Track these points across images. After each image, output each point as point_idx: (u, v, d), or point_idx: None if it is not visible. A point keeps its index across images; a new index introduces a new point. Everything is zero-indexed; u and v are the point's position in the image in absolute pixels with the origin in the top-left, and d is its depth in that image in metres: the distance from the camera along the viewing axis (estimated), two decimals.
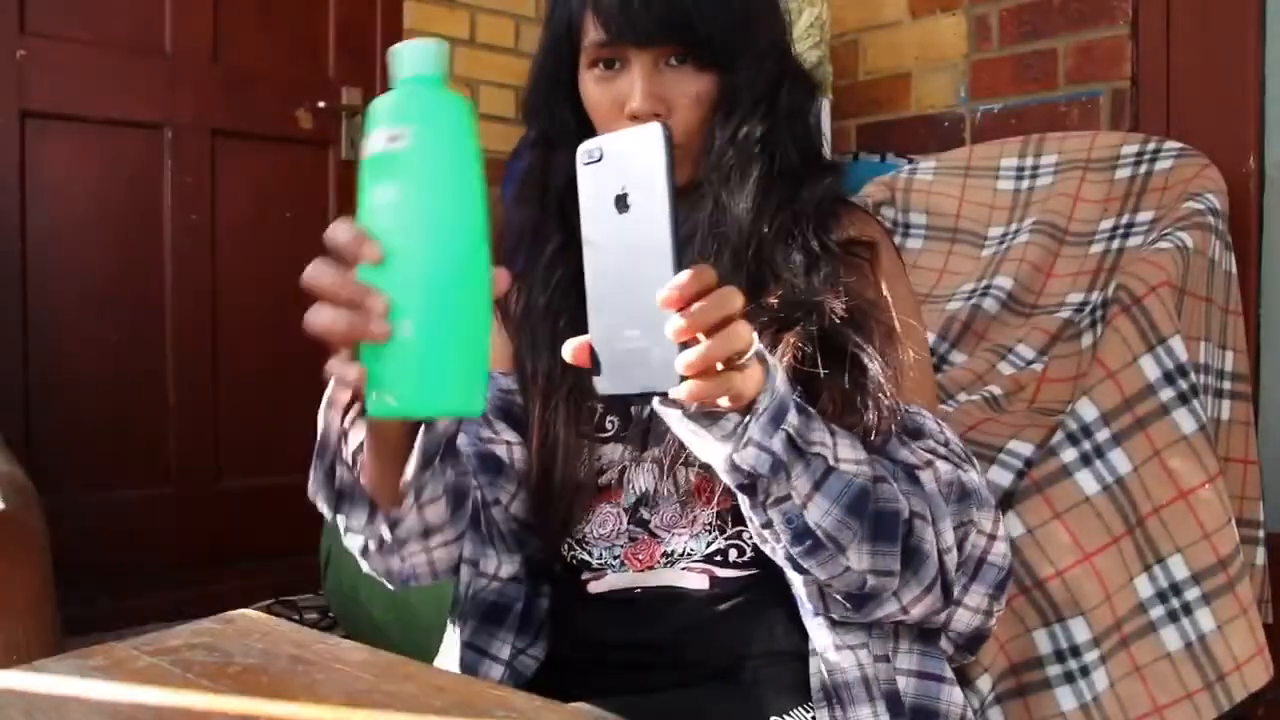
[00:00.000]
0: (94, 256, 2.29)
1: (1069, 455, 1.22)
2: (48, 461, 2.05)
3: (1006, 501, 1.21)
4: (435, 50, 0.59)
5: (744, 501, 0.70)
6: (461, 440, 0.83)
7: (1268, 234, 1.84)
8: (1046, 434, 1.27)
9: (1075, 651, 1.15)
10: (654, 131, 0.60)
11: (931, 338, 1.59)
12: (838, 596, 0.76)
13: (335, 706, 0.58)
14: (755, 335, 0.63)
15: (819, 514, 0.69)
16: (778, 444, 0.66)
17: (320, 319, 0.58)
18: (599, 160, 0.62)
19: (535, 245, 0.89)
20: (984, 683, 1.10)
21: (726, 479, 0.69)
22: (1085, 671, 1.15)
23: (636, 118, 0.81)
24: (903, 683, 0.80)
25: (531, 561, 0.89)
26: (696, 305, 0.58)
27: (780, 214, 0.81)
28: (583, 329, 0.64)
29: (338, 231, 0.57)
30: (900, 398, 0.78)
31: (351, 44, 2.65)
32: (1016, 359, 1.53)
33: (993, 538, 0.80)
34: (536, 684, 0.85)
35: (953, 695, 0.82)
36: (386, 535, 0.76)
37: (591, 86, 0.84)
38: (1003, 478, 1.24)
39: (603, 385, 0.63)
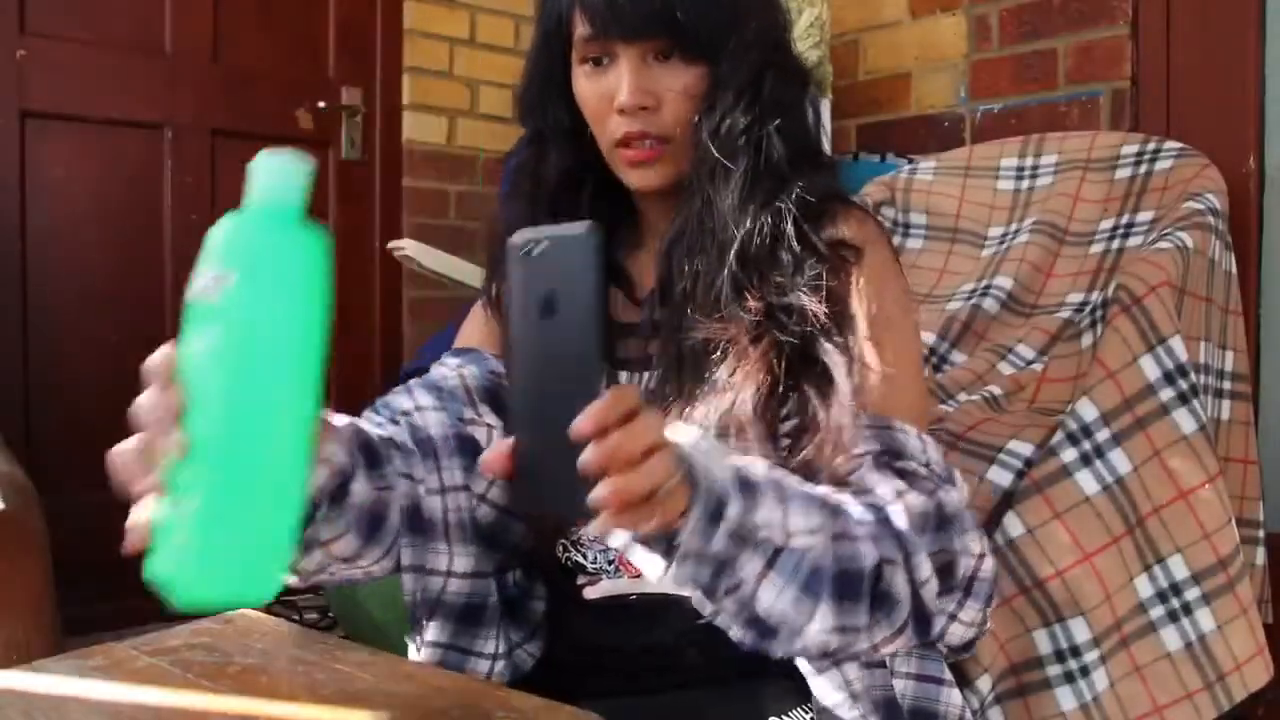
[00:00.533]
0: (94, 256, 2.29)
1: (1069, 455, 1.22)
2: (48, 461, 2.05)
3: (1006, 501, 1.21)
4: (292, 172, 0.51)
5: (695, 597, 0.65)
6: (440, 419, 0.80)
7: (1268, 234, 1.83)
8: (1046, 434, 1.27)
9: (1075, 651, 1.15)
10: (584, 235, 0.55)
11: (931, 338, 1.59)
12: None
13: (335, 706, 0.58)
14: (677, 462, 0.58)
15: (774, 593, 0.65)
16: (719, 544, 0.61)
17: (113, 455, 0.51)
18: (533, 253, 0.56)
19: None
20: (984, 683, 1.10)
21: (672, 585, 0.64)
22: (1085, 671, 1.15)
23: (624, 111, 0.81)
24: (900, 685, 0.79)
25: (520, 555, 0.87)
26: (614, 436, 0.53)
27: (766, 210, 0.79)
28: None
29: (150, 364, 0.51)
30: (876, 409, 0.76)
31: (351, 44, 2.65)
32: (1016, 359, 1.53)
33: (981, 556, 0.76)
34: (534, 684, 0.85)
35: (951, 697, 0.81)
36: (296, 581, 0.72)
37: (582, 82, 0.84)
38: (1003, 478, 1.24)
39: (517, 500, 0.57)
